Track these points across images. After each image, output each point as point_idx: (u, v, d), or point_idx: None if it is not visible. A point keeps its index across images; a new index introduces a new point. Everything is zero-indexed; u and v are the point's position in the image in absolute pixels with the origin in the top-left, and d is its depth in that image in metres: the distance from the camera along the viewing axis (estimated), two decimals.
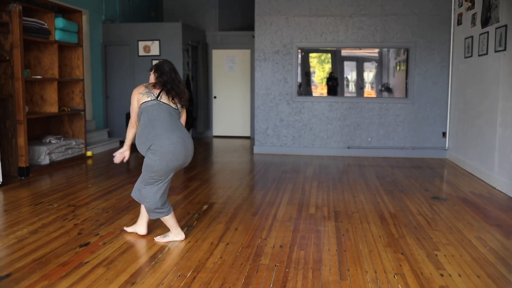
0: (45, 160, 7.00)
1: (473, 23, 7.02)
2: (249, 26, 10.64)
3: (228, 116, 11.64)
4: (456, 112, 7.99)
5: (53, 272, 3.25)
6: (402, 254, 3.66)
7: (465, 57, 7.45)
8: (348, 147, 8.75)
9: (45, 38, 7.03)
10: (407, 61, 8.57)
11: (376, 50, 8.87)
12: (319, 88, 9.15)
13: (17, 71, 6.27)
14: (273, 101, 8.86)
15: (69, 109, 7.73)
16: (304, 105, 8.80)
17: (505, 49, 5.81)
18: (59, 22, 7.24)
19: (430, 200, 5.37)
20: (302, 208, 5.01)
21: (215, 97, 11.62)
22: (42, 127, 7.73)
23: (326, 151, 8.79)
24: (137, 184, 3.96)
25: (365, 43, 8.60)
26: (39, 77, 7.07)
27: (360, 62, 9.21)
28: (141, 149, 3.77)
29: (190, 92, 10.33)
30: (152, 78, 3.90)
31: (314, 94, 9.07)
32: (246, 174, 7.07)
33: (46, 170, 6.84)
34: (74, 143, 7.73)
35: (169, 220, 3.90)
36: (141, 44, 9.92)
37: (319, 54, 9.13)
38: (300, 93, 8.87)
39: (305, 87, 9.06)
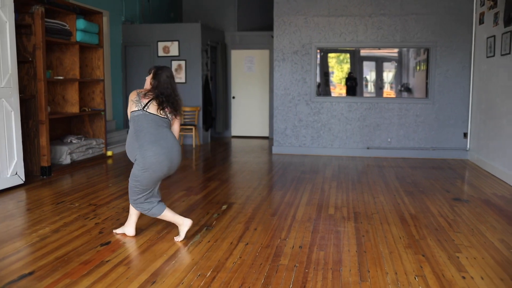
0: (66, 159, 7.09)
1: (496, 22, 6.92)
2: (268, 27, 10.65)
3: (247, 116, 11.66)
4: (477, 112, 7.89)
5: (75, 270, 3.29)
6: (423, 255, 3.63)
7: (487, 57, 7.34)
8: (368, 148, 8.69)
9: (67, 39, 7.12)
10: (427, 61, 8.48)
11: (396, 50, 8.80)
12: (338, 88, 9.11)
13: (39, 72, 6.36)
14: (292, 101, 8.84)
15: (89, 109, 7.82)
16: (323, 106, 8.77)
17: None
18: (80, 23, 7.33)
19: (451, 202, 5.31)
20: (322, 208, 4.99)
21: (233, 97, 11.65)
22: (64, 127, 7.83)
23: (345, 151, 8.75)
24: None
25: (384, 43, 8.54)
26: (61, 77, 7.17)
27: (379, 62, 9.14)
28: (130, 157, 3.86)
29: (209, 93, 10.37)
30: (148, 82, 3.87)
31: (332, 95, 9.03)
32: (265, 174, 7.07)
33: (67, 170, 6.93)
34: (94, 143, 7.82)
35: (167, 215, 3.91)
36: (161, 45, 9.98)
37: (338, 54, 9.09)
38: (319, 94, 8.84)
39: (323, 87, 9.03)
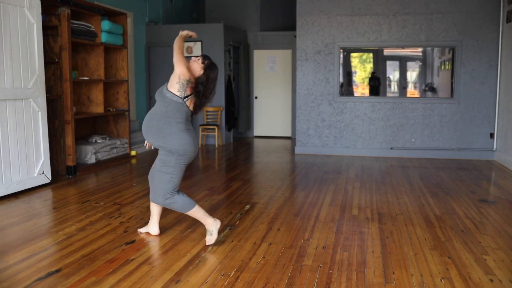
0: (91, 159, 7.18)
1: None
2: (290, 26, 10.63)
3: (269, 116, 11.65)
4: (505, 112, 7.74)
5: (100, 268, 3.33)
6: (449, 257, 3.58)
7: None
8: (391, 148, 8.61)
9: (92, 40, 7.22)
10: (452, 60, 8.36)
11: (419, 49, 8.69)
12: (360, 88, 9.04)
13: (65, 72, 6.46)
14: (315, 102, 8.81)
15: (114, 110, 7.91)
16: (346, 105, 8.72)
17: None
18: (105, 24, 7.42)
19: (478, 203, 5.22)
20: (345, 209, 4.96)
21: (256, 98, 11.66)
22: (89, 127, 7.94)
23: (368, 151, 8.68)
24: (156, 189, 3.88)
25: (409, 42, 8.44)
26: (86, 78, 7.27)
27: (403, 62, 9.04)
28: (150, 136, 3.77)
29: (232, 93, 10.39)
30: (196, 67, 3.79)
31: (355, 94, 8.97)
32: (288, 174, 7.06)
33: (92, 169, 7.02)
34: (118, 142, 7.91)
35: (198, 210, 3.89)
36: (184, 45, 10.03)
37: (361, 53, 9.02)
38: (342, 93, 8.79)
39: (346, 87, 8.97)
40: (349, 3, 8.52)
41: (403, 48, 8.69)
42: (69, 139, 6.55)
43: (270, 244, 3.86)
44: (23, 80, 5.57)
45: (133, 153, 8.29)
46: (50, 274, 3.23)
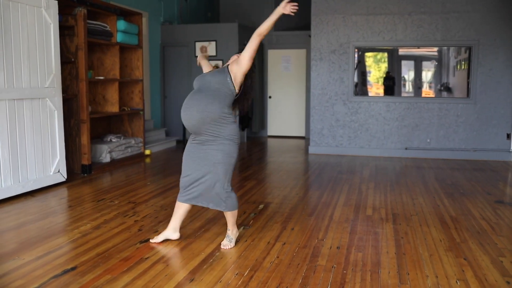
0: (106, 158, 7.24)
1: None
2: (305, 26, 10.60)
3: (283, 116, 11.64)
4: None
5: (115, 266, 3.35)
6: (464, 259, 3.54)
7: None
8: (406, 148, 8.55)
9: (108, 40, 7.27)
10: (469, 59, 8.27)
11: (435, 49, 8.62)
12: (374, 88, 8.99)
13: (81, 72, 6.52)
14: (329, 101, 8.78)
15: (129, 109, 7.96)
16: (361, 105, 8.68)
17: None
18: (121, 24, 7.47)
19: (494, 204, 5.17)
20: (359, 209, 4.94)
21: (270, 97, 11.65)
22: (104, 126, 8.00)
23: (382, 152, 8.63)
24: (220, 190, 3.69)
25: (425, 41, 8.38)
26: (102, 77, 7.33)
27: (418, 61, 8.97)
28: (202, 122, 3.61)
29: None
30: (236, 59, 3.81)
31: (369, 94, 8.92)
32: (302, 174, 7.04)
33: (107, 168, 7.07)
34: (133, 141, 7.95)
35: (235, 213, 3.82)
36: (198, 45, 10.07)
37: (375, 53, 8.97)
38: (356, 93, 8.75)
39: (360, 87, 8.93)
40: (364, 3, 8.48)
41: (418, 48, 8.62)
42: (85, 138, 6.60)
43: (284, 243, 3.85)
44: (40, 80, 5.63)
45: (147, 152, 8.33)
46: (65, 271, 3.26)
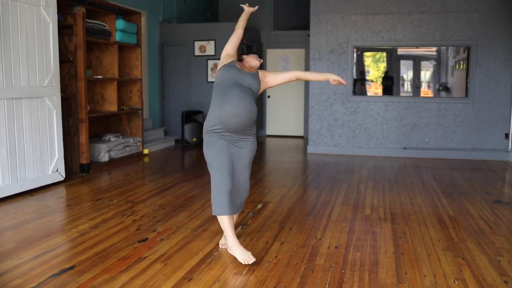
0: (104, 157, 7.23)
1: None
2: (304, 26, 10.60)
3: (282, 115, 11.64)
4: None
5: (113, 266, 3.35)
6: (462, 258, 3.55)
7: None
8: (404, 148, 8.55)
9: (107, 39, 7.26)
10: (468, 59, 8.28)
11: (434, 49, 8.62)
12: (373, 88, 8.99)
13: (80, 71, 6.51)
14: (328, 101, 8.78)
15: (127, 108, 7.95)
16: (359, 105, 8.68)
17: None
18: (120, 23, 7.46)
19: (492, 204, 5.17)
20: (358, 209, 4.94)
21: (268, 97, 11.65)
22: (102, 125, 8.00)
23: (381, 151, 8.63)
24: (248, 187, 3.67)
25: (423, 41, 8.38)
26: (100, 77, 7.32)
27: (416, 61, 8.98)
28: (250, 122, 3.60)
29: None
30: (257, 63, 3.77)
31: (368, 94, 8.92)
32: (300, 173, 7.04)
33: (106, 167, 7.07)
34: (131, 141, 7.95)
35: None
36: (197, 44, 10.07)
37: (374, 53, 8.97)
38: (355, 93, 8.75)
39: (359, 86, 8.93)
40: (363, 2, 8.48)
41: (417, 48, 8.63)
42: (83, 137, 6.60)
43: (282, 243, 3.85)
44: (38, 79, 5.63)
45: (146, 151, 8.33)
46: (63, 271, 3.26)
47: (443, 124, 8.40)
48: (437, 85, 8.78)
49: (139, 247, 3.73)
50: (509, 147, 8.14)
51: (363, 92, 8.92)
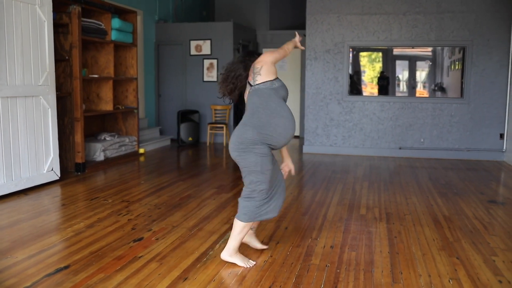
0: (100, 156, 7.22)
1: None
2: (300, 25, 10.59)
3: None
4: None
5: (109, 265, 3.34)
6: (457, 258, 3.56)
7: None
8: (400, 148, 8.57)
9: (102, 38, 7.25)
10: (463, 60, 8.30)
11: (429, 49, 8.64)
12: (369, 88, 9.00)
13: (75, 70, 6.49)
14: (324, 101, 8.79)
15: (123, 107, 7.94)
16: (355, 105, 8.69)
17: None
18: (115, 22, 7.44)
19: (487, 204, 5.19)
20: (353, 208, 4.95)
21: None
22: (98, 125, 7.98)
23: (376, 151, 8.65)
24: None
25: (419, 41, 8.40)
26: (96, 76, 7.30)
27: (412, 61, 9.00)
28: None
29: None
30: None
31: (364, 94, 8.93)
32: (295, 173, 7.03)
33: (101, 166, 7.05)
34: (127, 140, 7.93)
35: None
36: (193, 44, 10.06)
37: (370, 53, 8.98)
38: (351, 93, 8.76)
39: (355, 86, 8.94)
40: (359, 2, 8.49)
41: (412, 48, 8.65)
42: (78, 136, 6.58)
43: (278, 243, 3.86)
44: (33, 77, 5.61)
45: (141, 150, 8.31)
46: (58, 270, 3.25)
47: (439, 124, 8.43)
48: (433, 85, 8.81)
49: (135, 246, 3.73)
50: (504, 148, 8.17)
51: (358, 92, 8.93)
